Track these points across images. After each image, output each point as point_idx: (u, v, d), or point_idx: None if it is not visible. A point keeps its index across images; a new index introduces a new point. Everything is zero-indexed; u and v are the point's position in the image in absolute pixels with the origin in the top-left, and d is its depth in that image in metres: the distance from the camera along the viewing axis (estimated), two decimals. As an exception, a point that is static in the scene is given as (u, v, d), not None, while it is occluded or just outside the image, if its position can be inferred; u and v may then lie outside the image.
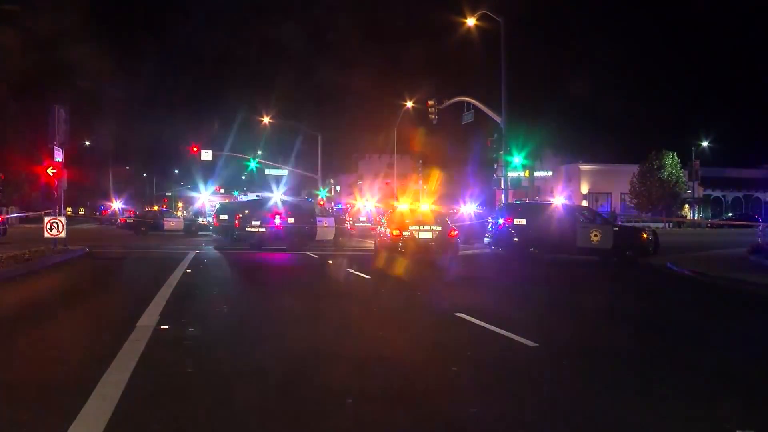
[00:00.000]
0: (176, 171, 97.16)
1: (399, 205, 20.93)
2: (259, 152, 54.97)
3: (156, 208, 58.32)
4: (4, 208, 39.23)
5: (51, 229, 19.11)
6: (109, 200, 69.06)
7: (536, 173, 37.37)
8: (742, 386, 5.78)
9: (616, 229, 19.35)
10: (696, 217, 55.39)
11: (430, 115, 32.80)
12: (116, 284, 13.36)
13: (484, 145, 33.35)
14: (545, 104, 61.53)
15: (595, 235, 18.40)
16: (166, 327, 7.78)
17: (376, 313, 9.69)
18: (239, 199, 43.38)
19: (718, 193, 62.98)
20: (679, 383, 5.81)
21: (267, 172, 50.47)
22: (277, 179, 46.91)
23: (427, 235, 18.32)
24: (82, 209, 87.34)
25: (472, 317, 8.62)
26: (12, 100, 39.73)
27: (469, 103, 30.98)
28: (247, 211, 25.11)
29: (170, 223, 38.65)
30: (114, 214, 55.01)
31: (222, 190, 58.14)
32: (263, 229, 23.61)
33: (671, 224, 50.03)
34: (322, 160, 50.23)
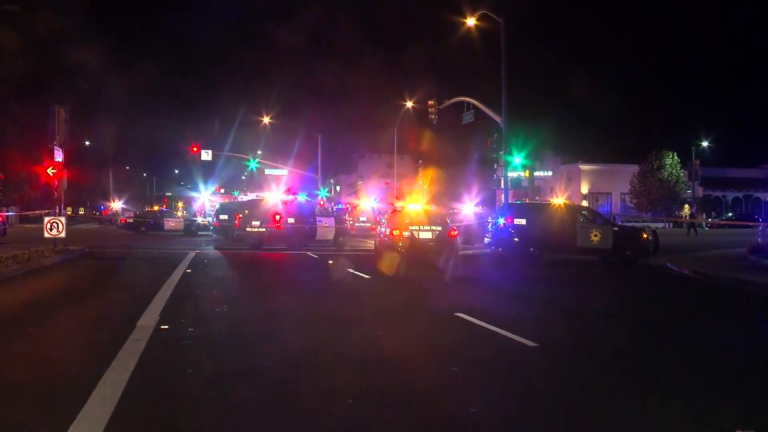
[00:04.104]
0: (176, 171, 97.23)
1: (409, 205, 20.84)
2: (259, 152, 55.00)
3: (156, 208, 58.30)
4: (4, 208, 39.22)
5: (51, 229, 19.11)
6: (110, 200, 69.06)
7: (536, 173, 37.36)
8: (742, 386, 5.78)
9: (616, 229, 19.35)
10: (698, 217, 55.30)
11: (430, 115, 32.75)
12: (116, 284, 13.34)
13: (484, 145, 33.37)
14: (545, 104, 61.57)
15: (595, 235, 18.40)
16: (166, 327, 7.78)
17: (376, 313, 9.69)
18: (239, 199, 43.37)
19: (718, 193, 62.96)
20: (679, 383, 5.81)
21: (267, 172, 50.46)
22: (277, 179, 46.91)
23: (427, 235, 18.31)
24: (82, 209, 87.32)
25: (472, 317, 8.63)
26: (12, 100, 39.71)
27: (469, 103, 30.95)
28: (247, 211, 25.11)
29: (170, 223, 38.65)
30: (115, 214, 55.00)
31: (222, 190, 58.07)
32: (263, 229, 23.61)
33: (671, 224, 50.06)
34: (322, 160, 50.27)
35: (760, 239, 20.26)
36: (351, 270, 15.53)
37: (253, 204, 26.41)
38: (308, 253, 21.20)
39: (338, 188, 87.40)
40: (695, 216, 47.69)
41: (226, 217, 29.24)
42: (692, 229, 39.85)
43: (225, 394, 5.19)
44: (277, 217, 23.73)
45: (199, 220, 39.28)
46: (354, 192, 73.72)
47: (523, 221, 19.22)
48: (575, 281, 15.27)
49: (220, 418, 4.61)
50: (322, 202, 42.31)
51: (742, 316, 10.45)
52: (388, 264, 16.55)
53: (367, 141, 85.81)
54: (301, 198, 27.20)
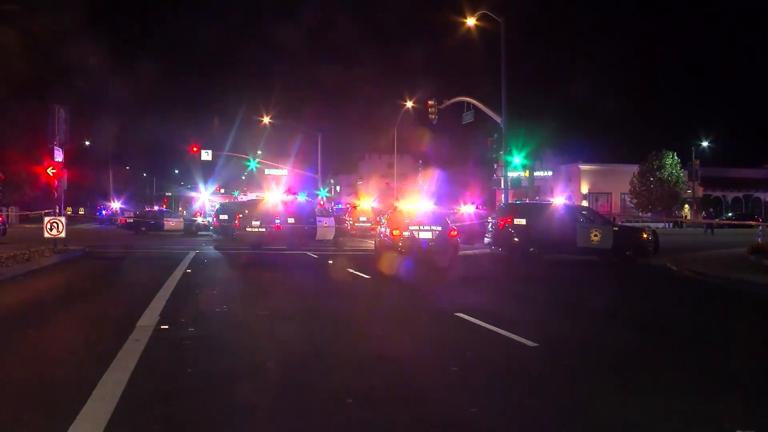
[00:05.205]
0: (176, 171, 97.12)
1: (409, 205, 20.85)
2: (259, 152, 54.97)
3: (156, 208, 58.32)
4: (4, 208, 39.22)
5: (51, 229, 19.11)
6: (109, 200, 69.04)
7: (536, 173, 37.36)
8: (742, 386, 5.78)
9: (616, 229, 19.35)
10: (699, 217, 55.28)
11: (430, 115, 32.75)
12: (116, 284, 13.35)
13: (484, 145, 33.39)
14: (545, 104, 61.49)
15: (595, 235, 18.40)
16: (166, 327, 7.79)
17: (376, 313, 9.69)
18: (239, 199, 43.39)
19: (718, 193, 62.90)
20: (679, 383, 5.81)
21: (267, 172, 50.44)
22: (277, 179, 46.91)
23: (427, 235, 18.29)
24: (82, 209, 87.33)
25: (472, 317, 8.63)
26: (12, 100, 39.65)
27: (469, 103, 30.94)
28: (247, 211, 25.11)
29: (170, 223, 38.65)
30: (114, 214, 55.02)
31: (222, 190, 58.01)
32: (263, 229, 23.61)
33: (671, 224, 50.11)
34: (322, 160, 50.25)
35: (759, 239, 20.26)
36: (351, 270, 15.53)
37: (253, 204, 26.40)
38: (308, 253, 21.20)
39: (338, 188, 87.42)
40: (712, 216, 47.87)
41: (226, 217, 29.24)
42: (709, 229, 40.24)
43: (225, 394, 5.19)
44: (277, 219, 23.75)
45: (199, 220, 39.27)
46: (354, 192, 73.72)
47: (523, 221, 19.21)
48: (575, 281, 15.27)
49: (220, 418, 4.61)
50: (322, 202, 42.35)
51: (742, 316, 10.45)
52: (388, 264, 16.55)
53: (367, 141, 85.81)
54: (301, 198, 27.19)
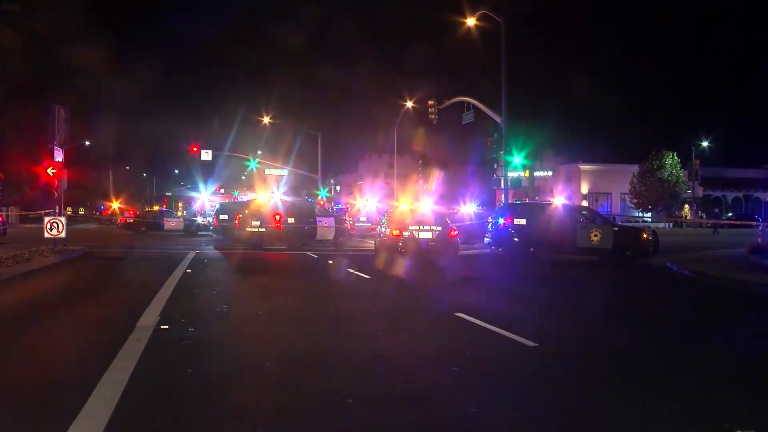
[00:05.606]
0: (176, 171, 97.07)
1: (409, 205, 20.86)
2: (259, 152, 54.95)
3: (156, 207, 58.32)
4: (4, 208, 39.23)
5: (51, 229, 19.11)
6: (109, 200, 69.12)
7: (536, 173, 37.33)
8: (742, 386, 5.78)
9: (616, 229, 19.35)
10: (696, 217, 55.27)
11: (430, 115, 32.75)
12: (116, 284, 13.35)
13: (484, 145, 33.31)
14: (545, 104, 61.56)
15: (595, 235, 18.40)
16: (166, 327, 7.79)
17: (376, 313, 9.69)
18: (239, 199, 43.38)
19: (718, 193, 62.91)
20: (679, 383, 5.81)
21: (267, 172, 50.41)
22: (278, 179, 46.92)
23: (427, 235, 18.30)
24: (82, 209, 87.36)
25: (472, 317, 8.63)
26: (12, 100, 39.70)
27: (469, 103, 30.93)
28: (247, 211, 25.12)
29: (170, 223, 38.66)
30: (114, 214, 55.07)
31: (222, 190, 58.01)
32: (263, 229, 23.62)
33: (671, 224, 50.14)
34: (322, 160, 50.23)
35: (760, 239, 20.28)
36: (351, 270, 15.53)
37: (253, 204, 26.40)
38: (308, 253, 21.20)
39: (338, 188, 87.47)
40: (717, 216, 48.08)
41: (226, 217, 29.25)
42: (715, 230, 40.40)
43: (225, 394, 5.19)
44: (277, 217, 23.76)
45: (199, 220, 39.26)
46: (357, 190, 73.72)
47: (523, 221, 19.21)
48: (575, 281, 15.27)
49: (220, 418, 4.61)
50: (322, 202, 42.34)
51: (742, 316, 10.45)
52: (388, 264, 16.55)
53: (367, 141, 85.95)
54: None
